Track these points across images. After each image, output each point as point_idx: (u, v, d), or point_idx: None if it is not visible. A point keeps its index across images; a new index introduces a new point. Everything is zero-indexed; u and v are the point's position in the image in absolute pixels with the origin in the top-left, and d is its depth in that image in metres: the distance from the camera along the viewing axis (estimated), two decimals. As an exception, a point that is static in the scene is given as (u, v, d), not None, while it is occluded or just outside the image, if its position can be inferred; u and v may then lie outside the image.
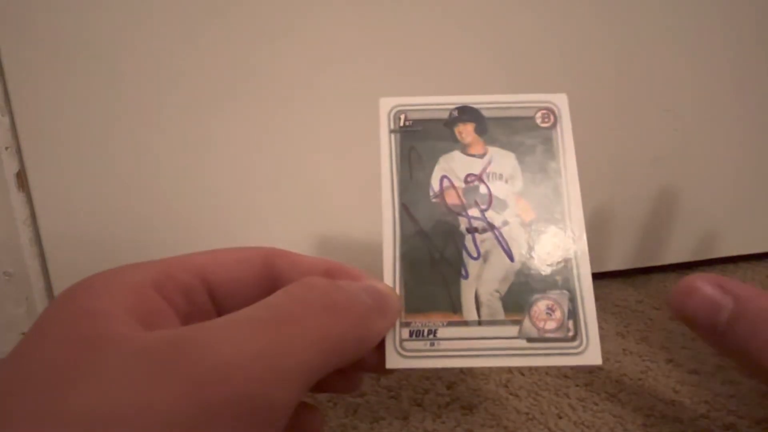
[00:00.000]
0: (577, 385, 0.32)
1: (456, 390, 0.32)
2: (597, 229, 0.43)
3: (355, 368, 0.23)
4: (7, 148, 0.35)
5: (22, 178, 0.36)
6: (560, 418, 0.29)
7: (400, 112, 0.26)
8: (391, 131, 0.26)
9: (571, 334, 0.23)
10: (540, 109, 0.26)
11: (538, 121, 0.26)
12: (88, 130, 0.35)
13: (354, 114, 0.36)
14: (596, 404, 0.30)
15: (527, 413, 0.29)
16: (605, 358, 0.34)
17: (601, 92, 0.42)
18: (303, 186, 0.39)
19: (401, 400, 0.31)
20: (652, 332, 0.38)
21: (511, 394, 0.31)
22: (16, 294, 0.36)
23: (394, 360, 0.22)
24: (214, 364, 0.15)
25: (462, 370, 0.33)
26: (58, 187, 0.36)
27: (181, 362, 0.15)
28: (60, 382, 0.15)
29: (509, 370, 0.33)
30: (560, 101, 0.26)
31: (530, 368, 0.33)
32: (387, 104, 0.26)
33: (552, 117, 0.26)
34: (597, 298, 0.37)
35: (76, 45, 0.34)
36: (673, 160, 0.44)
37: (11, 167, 0.35)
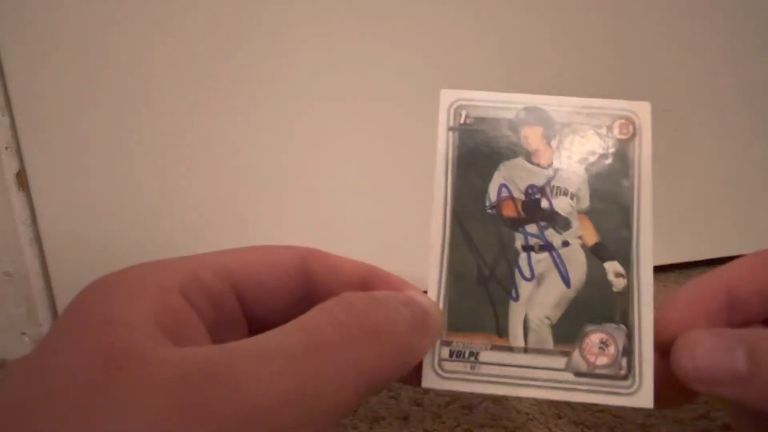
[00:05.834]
0: (577, 385, 0.32)
1: (456, 390, 0.32)
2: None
3: None
4: (7, 148, 0.35)
5: (22, 178, 0.36)
6: (560, 418, 0.29)
7: (461, 107, 0.23)
8: (450, 129, 0.23)
9: (623, 372, 0.21)
10: (619, 117, 0.24)
11: (616, 131, 0.23)
12: (89, 130, 0.35)
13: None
14: (596, 404, 0.30)
15: (527, 413, 0.29)
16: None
17: (601, 92, 0.42)
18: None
19: (401, 400, 0.31)
20: (652, 332, 0.38)
21: (511, 394, 0.31)
22: (16, 294, 0.36)
23: (431, 379, 0.21)
24: (243, 404, 0.15)
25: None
26: (58, 187, 0.36)
27: (209, 398, 0.14)
28: (85, 405, 0.14)
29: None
30: (642, 111, 0.24)
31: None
32: (448, 97, 0.23)
33: (631, 128, 0.23)
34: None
35: (77, 45, 0.34)
36: (673, 159, 0.44)
37: (11, 167, 0.35)
